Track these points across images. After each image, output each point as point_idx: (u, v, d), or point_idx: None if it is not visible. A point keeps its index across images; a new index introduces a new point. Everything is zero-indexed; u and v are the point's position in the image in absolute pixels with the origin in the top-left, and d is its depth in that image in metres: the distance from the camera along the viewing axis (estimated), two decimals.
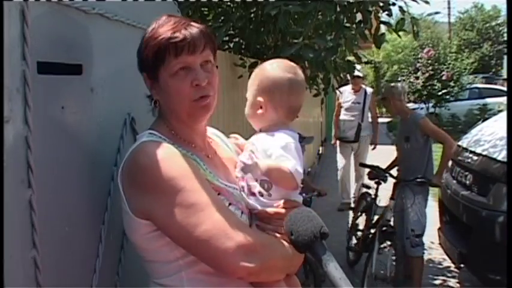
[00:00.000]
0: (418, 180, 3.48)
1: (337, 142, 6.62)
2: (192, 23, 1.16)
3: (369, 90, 6.65)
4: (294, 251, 1.08)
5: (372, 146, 6.54)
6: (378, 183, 3.84)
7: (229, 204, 1.14)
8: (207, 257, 1.04)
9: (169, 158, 1.07)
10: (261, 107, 1.22)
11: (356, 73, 5.20)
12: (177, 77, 1.12)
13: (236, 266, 1.02)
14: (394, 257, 3.51)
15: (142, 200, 1.07)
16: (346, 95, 6.46)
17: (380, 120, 7.30)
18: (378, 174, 3.77)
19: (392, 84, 4.37)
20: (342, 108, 6.52)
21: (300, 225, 0.91)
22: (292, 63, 1.26)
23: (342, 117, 6.52)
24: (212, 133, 1.38)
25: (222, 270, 1.05)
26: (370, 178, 3.90)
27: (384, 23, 3.28)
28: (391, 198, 3.67)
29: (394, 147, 4.18)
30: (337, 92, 6.38)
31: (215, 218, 1.03)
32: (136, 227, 1.10)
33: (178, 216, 1.03)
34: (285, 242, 1.11)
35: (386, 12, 3.19)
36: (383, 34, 3.24)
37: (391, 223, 3.64)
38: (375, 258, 3.48)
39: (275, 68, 1.23)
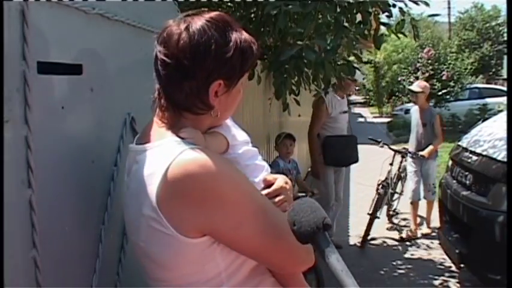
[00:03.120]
0: (411, 154, 5.23)
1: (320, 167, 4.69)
2: None
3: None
4: None
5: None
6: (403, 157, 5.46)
7: None
8: (277, 258, 1.06)
9: (224, 166, 1.00)
10: None
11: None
12: (243, 84, 1.10)
13: (302, 261, 1.08)
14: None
15: (201, 216, 0.96)
16: (334, 101, 4.68)
17: (379, 120, 6.90)
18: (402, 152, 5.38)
19: (423, 83, 5.48)
20: (326, 121, 4.67)
21: (303, 216, 0.90)
22: None
23: (328, 132, 4.67)
24: None
25: (289, 267, 1.10)
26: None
27: (384, 24, 3.28)
28: (390, 164, 5.34)
29: (392, 148, 5.49)
30: (324, 97, 4.56)
31: (279, 218, 1.03)
32: (185, 249, 0.99)
33: (251, 224, 1.01)
34: None
35: (386, 14, 3.19)
36: (382, 35, 3.24)
37: (388, 181, 5.23)
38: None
39: None
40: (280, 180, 1.19)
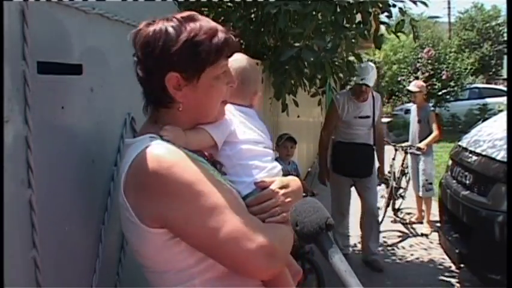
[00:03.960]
0: (410, 150, 5.52)
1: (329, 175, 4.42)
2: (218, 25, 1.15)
3: (377, 95, 4.40)
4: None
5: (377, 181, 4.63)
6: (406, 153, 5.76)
7: None
8: (230, 261, 1.03)
9: (180, 161, 1.03)
10: None
11: (365, 80, 4.06)
12: (220, 79, 1.12)
13: (259, 268, 1.02)
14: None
15: (156, 207, 1.01)
16: (349, 105, 4.23)
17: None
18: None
19: (420, 83, 5.76)
20: (339, 125, 4.31)
21: (306, 216, 0.89)
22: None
23: (339, 137, 4.34)
24: None
25: (245, 273, 1.05)
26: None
27: (384, 23, 3.28)
28: (393, 159, 5.76)
29: (393, 147, 5.85)
30: (335, 99, 4.31)
31: (235, 221, 1.01)
32: (148, 238, 1.04)
33: (199, 221, 1.01)
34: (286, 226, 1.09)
35: (386, 14, 3.19)
36: (382, 35, 3.24)
37: (390, 175, 5.60)
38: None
39: None
40: (275, 184, 1.16)
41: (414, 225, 5.61)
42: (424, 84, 5.84)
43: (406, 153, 5.69)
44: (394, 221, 5.78)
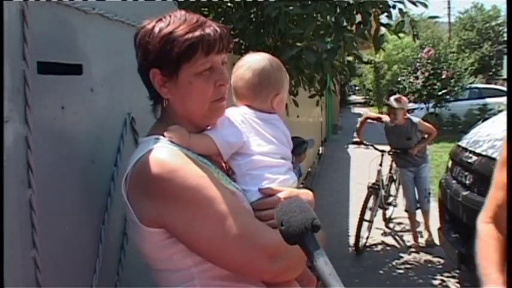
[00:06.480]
0: (399, 152, 4.91)
1: None
2: (211, 22, 1.12)
3: None
4: None
5: None
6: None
7: None
8: (233, 265, 1.04)
9: (183, 166, 1.03)
10: None
11: None
12: (202, 76, 1.08)
13: (262, 271, 1.03)
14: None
15: (155, 209, 1.02)
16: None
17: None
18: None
19: (403, 99, 4.96)
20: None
21: (291, 216, 0.86)
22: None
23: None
24: None
25: (249, 274, 1.05)
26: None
27: (383, 25, 3.27)
28: (380, 165, 5.14)
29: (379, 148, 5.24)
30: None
31: (238, 226, 1.01)
32: (146, 236, 1.06)
33: (203, 228, 1.01)
34: None
35: (385, 14, 3.19)
36: (382, 35, 3.23)
37: (379, 183, 5.06)
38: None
39: None
40: (283, 194, 1.14)
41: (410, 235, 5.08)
42: (406, 100, 5.10)
43: (393, 158, 5.16)
44: (386, 234, 5.32)
